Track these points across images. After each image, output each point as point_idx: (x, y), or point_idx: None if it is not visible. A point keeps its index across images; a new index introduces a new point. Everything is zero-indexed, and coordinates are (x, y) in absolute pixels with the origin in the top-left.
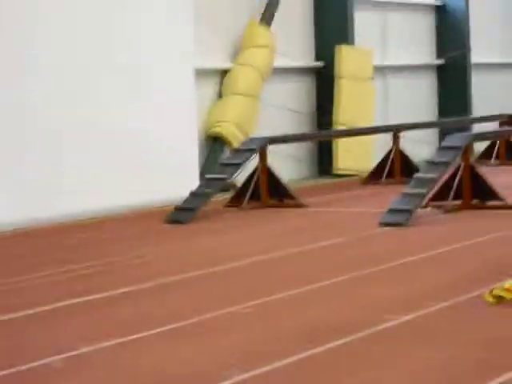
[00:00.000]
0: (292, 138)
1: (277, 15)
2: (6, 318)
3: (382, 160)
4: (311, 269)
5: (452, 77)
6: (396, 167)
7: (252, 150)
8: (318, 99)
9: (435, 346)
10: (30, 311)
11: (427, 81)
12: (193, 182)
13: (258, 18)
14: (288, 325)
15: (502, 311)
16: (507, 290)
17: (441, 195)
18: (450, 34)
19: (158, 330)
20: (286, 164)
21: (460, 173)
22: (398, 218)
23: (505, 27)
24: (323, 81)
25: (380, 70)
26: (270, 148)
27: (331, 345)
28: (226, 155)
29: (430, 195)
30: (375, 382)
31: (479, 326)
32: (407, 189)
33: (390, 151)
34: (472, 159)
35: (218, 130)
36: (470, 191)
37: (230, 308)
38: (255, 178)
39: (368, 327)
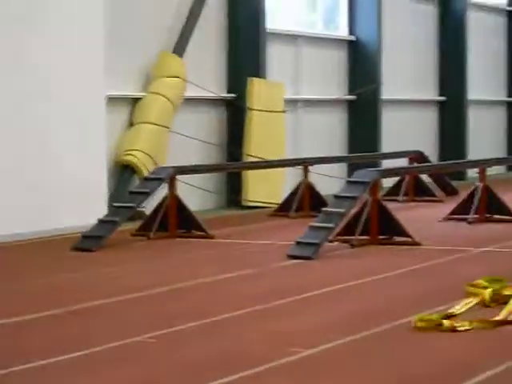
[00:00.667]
0: (202, 169)
1: (190, 46)
2: None
3: (291, 193)
4: (215, 300)
5: (363, 112)
6: (305, 200)
7: (161, 180)
8: (228, 131)
9: (339, 380)
10: None
11: (338, 115)
12: (101, 210)
13: (171, 47)
14: (189, 357)
15: (410, 347)
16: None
17: (348, 230)
18: (362, 69)
19: (63, 357)
20: (196, 195)
21: (367, 208)
22: (306, 251)
23: (416, 64)
24: (234, 112)
25: (292, 103)
26: (180, 178)
27: (235, 377)
28: (135, 184)
29: (338, 229)
30: None
31: (386, 361)
32: (315, 222)
33: (300, 184)
34: (380, 195)
35: (127, 158)
36: (378, 227)
37: (129, 339)
38: (164, 207)
39: (271, 361)
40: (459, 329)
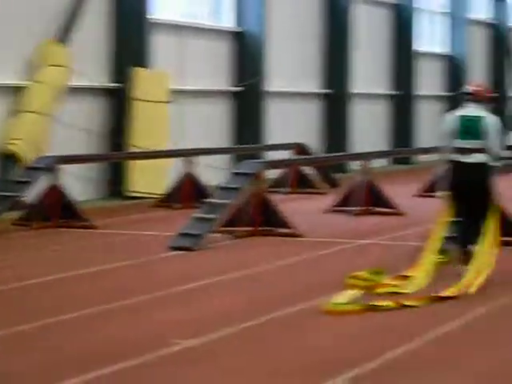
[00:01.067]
0: (85, 158)
1: (74, 35)
2: None
3: (175, 184)
4: (98, 291)
5: (248, 104)
6: (189, 192)
7: (43, 169)
8: (112, 120)
9: (219, 371)
10: None
11: (224, 107)
12: None
13: (55, 36)
14: (71, 347)
15: (285, 340)
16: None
17: (232, 221)
18: (248, 60)
19: None
20: (79, 184)
21: (251, 200)
22: (188, 242)
23: (301, 57)
24: (119, 102)
25: (177, 93)
26: (63, 167)
27: (117, 367)
28: (17, 173)
29: (221, 221)
30: None
31: (263, 351)
32: (198, 213)
33: (184, 175)
34: (264, 186)
35: (10, 147)
36: (261, 218)
37: (10, 329)
38: (46, 197)
39: (154, 351)
40: (406, 304)
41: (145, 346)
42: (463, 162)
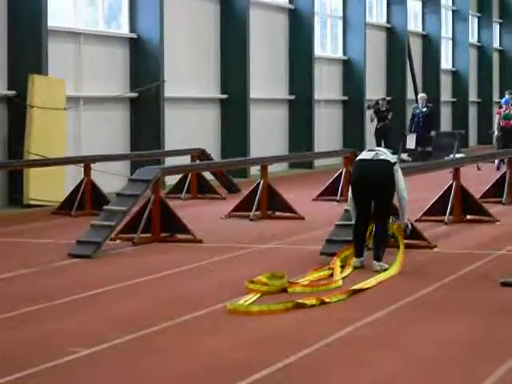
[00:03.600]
0: None
1: None
2: None
3: (73, 191)
4: None
5: (145, 110)
6: (87, 199)
7: None
8: (9, 128)
9: (114, 380)
10: None
11: (121, 113)
12: None
13: None
14: None
15: (182, 347)
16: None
17: (131, 228)
18: (144, 66)
19: None
20: None
21: (150, 206)
22: (86, 250)
23: (198, 62)
24: (15, 110)
25: (73, 100)
26: None
27: (16, 376)
28: None
29: (120, 227)
30: None
31: (153, 360)
32: (96, 221)
33: (81, 182)
34: (163, 192)
35: None
36: (160, 224)
37: None
38: None
39: (51, 360)
40: (327, 300)
41: (41, 355)
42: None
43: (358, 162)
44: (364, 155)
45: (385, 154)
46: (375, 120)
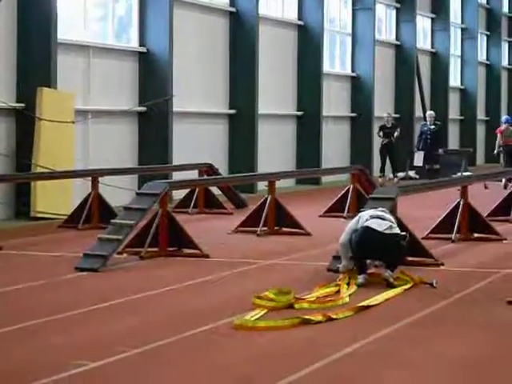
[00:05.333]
0: None
1: None
2: None
3: (81, 204)
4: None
5: (154, 124)
6: (94, 212)
7: None
8: (18, 140)
9: None
10: None
11: (129, 127)
12: None
13: None
14: None
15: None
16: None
17: (138, 241)
18: (153, 81)
19: None
20: None
21: (157, 220)
22: (94, 264)
23: (207, 77)
24: (24, 122)
25: (82, 113)
26: None
27: None
28: None
29: (127, 241)
30: None
31: (167, 372)
32: (103, 234)
33: (89, 196)
34: (170, 207)
35: None
36: (167, 238)
37: None
38: None
39: (58, 373)
40: (334, 317)
41: (45, 369)
42: None
43: (366, 232)
44: (373, 223)
45: (392, 221)
46: (381, 135)
